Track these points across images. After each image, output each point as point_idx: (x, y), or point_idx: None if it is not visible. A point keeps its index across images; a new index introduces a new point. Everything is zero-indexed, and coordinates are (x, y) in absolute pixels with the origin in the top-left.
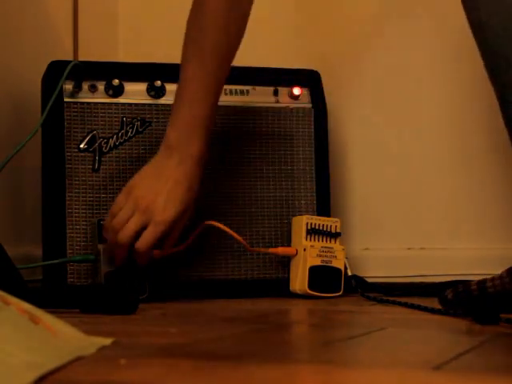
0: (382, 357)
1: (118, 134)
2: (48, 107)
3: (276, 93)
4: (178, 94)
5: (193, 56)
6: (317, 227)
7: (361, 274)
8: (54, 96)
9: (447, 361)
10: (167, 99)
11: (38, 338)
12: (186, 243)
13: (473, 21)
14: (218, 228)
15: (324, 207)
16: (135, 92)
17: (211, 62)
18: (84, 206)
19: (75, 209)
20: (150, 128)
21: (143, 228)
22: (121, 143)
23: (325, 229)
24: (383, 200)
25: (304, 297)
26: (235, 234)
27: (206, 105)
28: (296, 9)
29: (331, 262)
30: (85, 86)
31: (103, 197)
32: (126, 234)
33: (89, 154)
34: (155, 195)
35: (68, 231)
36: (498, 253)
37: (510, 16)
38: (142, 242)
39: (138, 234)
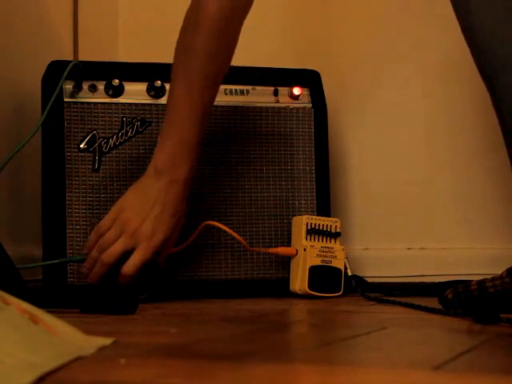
0: (382, 357)
1: (118, 134)
2: (48, 107)
3: (276, 93)
4: (166, 117)
5: (181, 79)
6: (317, 227)
7: (361, 274)
8: (53, 96)
9: (447, 361)
10: None
11: (38, 338)
12: (186, 243)
13: (464, 24)
14: (219, 228)
15: (324, 207)
16: (135, 92)
17: (199, 86)
18: (84, 206)
19: (75, 209)
20: (149, 128)
21: (129, 251)
22: (121, 143)
23: (325, 229)
24: (383, 200)
25: (304, 297)
26: (235, 234)
27: (195, 128)
28: (296, 9)
29: (331, 261)
30: (85, 86)
31: (103, 197)
32: (111, 253)
33: (89, 154)
34: (143, 219)
35: (68, 231)
36: (498, 253)
37: (501, 20)
38: (129, 267)
39: (122, 256)
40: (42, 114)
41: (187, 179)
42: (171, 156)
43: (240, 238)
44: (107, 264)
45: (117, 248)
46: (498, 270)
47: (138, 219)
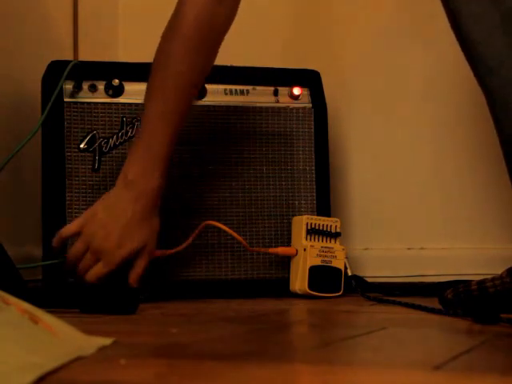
0: (382, 357)
1: (118, 133)
2: (48, 107)
3: (276, 93)
4: (140, 128)
5: (156, 92)
6: (317, 227)
7: (361, 274)
8: (54, 96)
9: (447, 361)
10: None
11: (38, 338)
12: (186, 243)
13: (454, 27)
14: (219, 228)
15: (324, 207)
16: (135, 92)
17: (174, 100)
18: (84, 206)
19: (75, 209)
20: None
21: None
22: (121, 143)
23: (325, 229)
24: (383, 200)
25: (304, 297)
26: (235, 234)
27: (166, 140)
28: (296, 9)
29: (331, 261)
30: (85, 86)
31: None
32: (81, 271)
33: (89, 154)
34: (107, 234)
35: None
36: (497, 253)
37: (491, 22)
38: (92, 275)
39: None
40: (42, 114)
41: (157, 190)
42: (142, 167)
43: (240, 238)
44: (81, 275)
45: (83, 266)
46: (498, 270)
47: (102, 233)
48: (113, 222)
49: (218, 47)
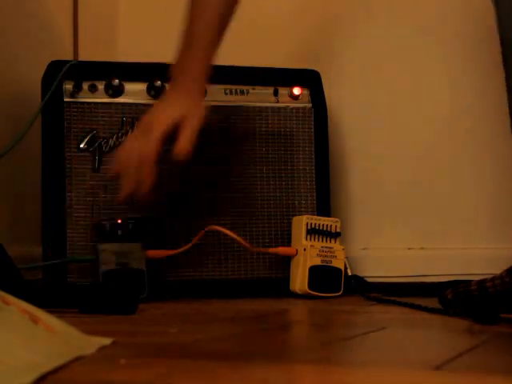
0: (382, 357)
1: (118, 133)
2: (49, 92)
3: (276, 93)
4: (180, 43)
5: (196, 14)
6: (317, 227)
7: (361, 274)
8: (53, 86)
9: (447, 361)
10: None
11: (38, 338)
12: (188, 246)
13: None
14: (221, 232)
15: (324, 207)
16: (135, 92)
17: (212, 21)
18: (84, 206)
19: (75, 209)
20: None
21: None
22: (121, 143)
23: (325, 229)
24: (383, 200)
25: (304, 297)
26: (236, 236)
27: (208, 53)
28: (296, 9)
29: (331, 261)
30: (85, 86)
31: (103, 197)
32: (125, 151)
33: (89, 154)
34: (152, 111)
35: (68, 231)
36: (497, 253)
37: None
38: (144, 153)
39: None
40: (42, 111)
41: (202, 71)
42: (185, 63)
43: (242, 241)
44: (124, 164)
45: (128, 144)
46: (497, 270)
47: (149, 116)
48: (159, 106)
49: None
